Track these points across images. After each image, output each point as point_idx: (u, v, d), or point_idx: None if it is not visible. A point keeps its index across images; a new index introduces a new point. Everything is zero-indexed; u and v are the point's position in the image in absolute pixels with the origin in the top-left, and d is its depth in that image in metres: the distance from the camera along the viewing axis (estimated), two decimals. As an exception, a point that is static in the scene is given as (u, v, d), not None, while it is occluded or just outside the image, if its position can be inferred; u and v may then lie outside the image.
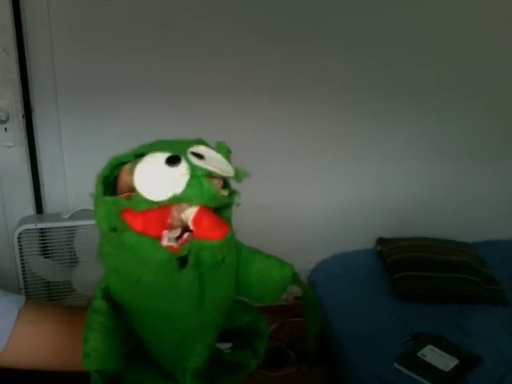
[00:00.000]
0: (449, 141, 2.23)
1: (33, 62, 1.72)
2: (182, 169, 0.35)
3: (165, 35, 1.80)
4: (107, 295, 0.41)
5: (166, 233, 0.37)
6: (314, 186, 2.17)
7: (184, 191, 0.35)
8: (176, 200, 0.35)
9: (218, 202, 0.37)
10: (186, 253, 0.37)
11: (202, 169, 0.36)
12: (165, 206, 0.36)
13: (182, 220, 0.37)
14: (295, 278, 0.46)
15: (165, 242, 0.37)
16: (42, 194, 1.88)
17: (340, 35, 1.95)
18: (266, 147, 2.03)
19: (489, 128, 2.23)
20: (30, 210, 1.86)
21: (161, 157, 0.36)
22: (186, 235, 0.37)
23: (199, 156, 0.37)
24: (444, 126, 2.20)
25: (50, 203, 1.90)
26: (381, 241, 2.27)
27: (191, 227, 0.37)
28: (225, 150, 0.40)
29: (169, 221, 0.37)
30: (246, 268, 0.44)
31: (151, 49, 1.80)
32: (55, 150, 1.85)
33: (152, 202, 0.35)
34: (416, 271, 2.02)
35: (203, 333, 0.43)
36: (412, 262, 2.07)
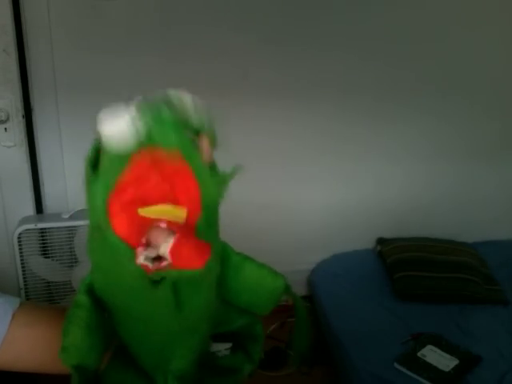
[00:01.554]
0: (448, 141, 2.23)
1: (33, 62, 1.72)
2: (139, 99, 0.35)
3: (164, 36, 1.80)
4: (91, 291, 0.41)
5: (141, 251, 0.35)
6: (313, 186, 2.17)
7: (142, 117, 0.34)
8: (144, 140, 0.34)
9: (178, 134, 0.35)
10: (159, 279, 0.36)
11: (159, 98, 0.35)
12: (145, 219, 0.35)
13: (157, 243, 0.35)
14: (287, 290, 0.45)
15: (140, 261, 0.35)
16: (42, 194, 1.88)
17: (339, 37, 1.95)
18: (266, 148, 2.03)
19: (488, 128, 2.23)
20: (30, 210, 1.86)
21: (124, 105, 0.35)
22: (163, 264, 0.35)
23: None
24: (443, 126, 2.20)
25: (50, 203, 1.90)
26: (381, 241, 2.27)
27: (169, 260, 0.35)
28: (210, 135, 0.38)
29: (144, 241, 0.36)
30: (236, 275, 0.43)
31: (151, 49, 1.80)
32: (55, 150, 1.85)
33: (120, 146, 0.34)
34: (416, 271, 2.02)
35: (185, 337, 0.42)
36: (412, 261, 2.07)
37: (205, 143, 0.36)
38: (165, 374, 0.42)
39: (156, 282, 0.36)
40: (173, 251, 0.35)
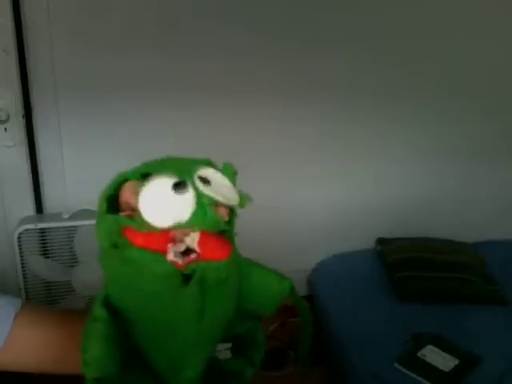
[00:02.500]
0: (449, 141, 2.23)
1: (33, 62, 1.72)
2: (189, 197, 0.35)
3: (165, 35, 1.80)
4: (107, 304, 0.41)
5: (171, 247, 0.37)
6: (314, 186, 2.17)
7: (188, 219, 0.35)
8: (179, 226, 0.35)
9: (219, 228, 0.37)
10: (190, 272, 0.38)
11: (208, 197, 0.36)
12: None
13: (184, 239, 0.38)
14: (293, 293, 0.47)
15: (171, 257, 0.37)
16: (42, 193, 1.88)
17: (340, 36, 1.95)
18: (266, 147, 2.03)
19: (488, 128, 2.23)
20: (30, 210, 1.86)
21: (168, 182, 0.35)
22: (192, 256, 0.37)
23: (206, 181, 0.37)
24: (444, 126, 2.20)
25: (50, 203, 1.90)
26: (381, 241, 2.27)
27: (197, 250, 0.37)
28: (231, 173, 0.40)
29: (171, 234, 0.37)
30: (244, 280, 0.44)
31: (151, 49, 1.80)
32: (55, 150, 1.85)
33: (155, 227, 0.35)
34: (416, 271, 2.02)
35: (201, 345, 0.43)
36: (412, 261, 2.07)
37: (224, 211, 0.38)
38: (178, 381, 0.44)
39: (186, 278, 0.38)
40: (200, 241, 0.37)
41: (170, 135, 1.86)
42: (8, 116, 1.71)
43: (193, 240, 0.37)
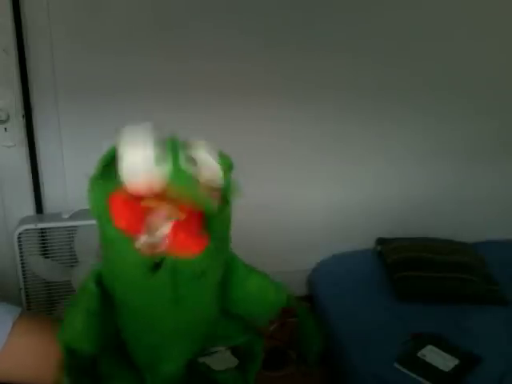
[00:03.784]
0: (448, 141, 2.23)
1: (33, 62, 1.72)
2: (168, 167, 0.35)
3: (164, 36, 1.80)
4: (99, 280, 0.42)
5: (142, 236, 0.37)
6: (314, 186, 2.17)
7: (165, 187, 0.35)
8: (154, 194, 0.35)
9: (197, 203, 0.37)
10: (158, 261, 0.37)
11: (187, 172, 0.36)
12: (147, 208, 0.36)
13: (158, 228, 0.37)
14: (290, 303, 0.46)
15: (137, 245, 0.37)
16: (42, 193, 1.88)
17: (338, 37, 1.95)
18: (266, 148, 2.03)
19: (488, 128, 2.23)
20: (30, 210, 1.86)
21: (150, 150, 0.36)
22: (162, 247, 0.37)
23: (191, 159, 0.37)
24: (443, 126, 2.20)
25: (50, 203, 1.90)
26: (381, 241, 2.27)
27: (165, 242, 0.37)
28: (226, 164, 0.39)
29: (147, 222, 0.37)
30: (241, 287, 0.44)
31: (151, 49, 1.80)
32: (55, 150, 1.85)
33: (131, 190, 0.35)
34: (416, 271, 2.02)
35: (180, 338, 0.43)
36: (412, 261, 2.07)
37: (206, 189, 0.38)
38: (154, 375, 0.43)
39: (156, 266, 0.37)
40: (170, 234, 0.36)
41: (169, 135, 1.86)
42: (8, 116, 1.71)
43: (162, 231, 0.37)
